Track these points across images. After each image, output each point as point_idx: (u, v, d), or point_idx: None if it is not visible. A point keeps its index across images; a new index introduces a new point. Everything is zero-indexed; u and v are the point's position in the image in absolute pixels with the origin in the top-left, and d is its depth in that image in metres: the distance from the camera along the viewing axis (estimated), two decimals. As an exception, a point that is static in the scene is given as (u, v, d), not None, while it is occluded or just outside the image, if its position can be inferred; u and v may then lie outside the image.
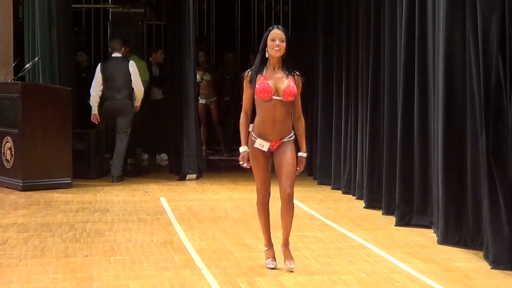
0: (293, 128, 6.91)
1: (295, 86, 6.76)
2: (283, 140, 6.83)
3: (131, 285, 6.53)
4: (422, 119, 8.77)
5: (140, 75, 12.66)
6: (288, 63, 6.78)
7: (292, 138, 6.88)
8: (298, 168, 6.85)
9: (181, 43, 12.79)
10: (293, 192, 6.88)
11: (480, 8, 7.23)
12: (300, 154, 6.91)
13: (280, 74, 6.76)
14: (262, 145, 6.81)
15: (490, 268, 7.07)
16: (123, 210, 9.98)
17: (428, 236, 8.37)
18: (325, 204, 10.47)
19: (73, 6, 14.83)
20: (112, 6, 17.66)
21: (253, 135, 6.86)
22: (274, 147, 6.85)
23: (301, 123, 6.96)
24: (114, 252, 7.67)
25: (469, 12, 7.46)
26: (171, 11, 13.72)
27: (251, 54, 16.80)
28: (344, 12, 11.58)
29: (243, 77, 6.89)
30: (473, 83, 7.39)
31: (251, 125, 6.89)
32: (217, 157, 15.93)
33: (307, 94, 13.02)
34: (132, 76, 12.33)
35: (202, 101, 15.57)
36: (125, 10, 17.16)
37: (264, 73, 6.75)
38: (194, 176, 12.68)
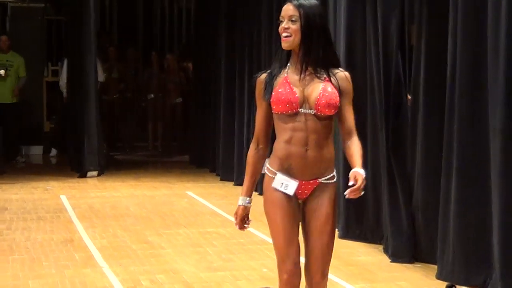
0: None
1: (335, 93, 4.17)
2: (319, 180, 4.23)
3: (30, 284, 6.39)
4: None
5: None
6: (319, 57, 4.17)
7: (334, 180, 4.27)
8: (353, 183, 4.03)
9: (82, 39, 12.59)
10: (326, 283, 4.32)
11: (380, 6, 7.32)
12: (356, 169, 4.09)
13: (310, 75, 4.19)
14: (286, 185, 4.21)
15: (390, 262, 7.17)
16: (22, 208, 9.77)
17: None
18: (228, 200, 10.45)
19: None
20: (11, 0, 17.27)
21: (271, 169, 4.27)
22: (305, 192, 4.23)
23: (355, 141, 4.25)
24: (13, 251, 7.50)
25: (370, 9, 7.55)
26: (72, 6, 13.51)
27: (153, 51, 16.72)
28: (248, 7, 11.59)
29: (254, 84, 4.36)
30: (374, 79, 7.48)
31: (266, 160, 4.37)
32: (119, 154, 15.77)
33: (209, 90, 13.04)
34: None
35: (105, 97, 15.43)
36: (25, 4, 16.79)
37: (286, 74, 4.22)
38: (95, 173, 12.52)
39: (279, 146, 4.25)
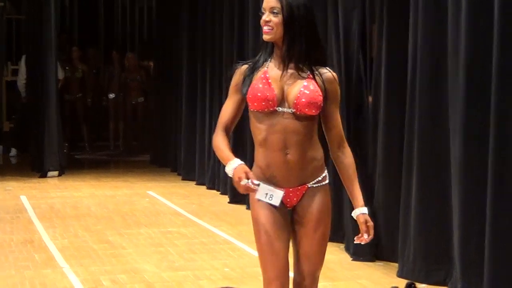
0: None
1: (318, 91, 3.79)
2: (307, 185, 3.89)
3: (-11, 285, 6.32)
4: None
5: None
6: (302, 52, 3.81)
7: (325, 182, 3.95)
8: (365, 236, 3.95)
9: (42, 38, 12.48)
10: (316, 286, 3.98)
11: (341, 5, 7.33)
12: (358, 210, 3.98)
13: (293, 72, 3.83)
14: (271, 195, 3.82)
15: (351, 260, 7.18)
16: (-19, 208, 9.67)
17: (291, 230, 8.45)
18: (189, 200, 10.42)
19: None
20: (-31, -1, 17.09)
21: (254, 181, 3.74)
22: (294, 200, 3.89)
23: (347, 155, 3.98)
24: (-28, 252, 7.42)
25: (331, 9, 7.56)
26: (32, 5, 13.39)
27: (114, 50, 16.63)
28: (209, 7, 11.55)
29: (232, 73, 4.02)
30: (335, 79, 7.47)
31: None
32: (80, 153, 15.65)
33: (171, 89, 12.99)
34: None
35: (68, 97, 15.34)
36: (-17, 3, 16.62)
37: (266, 68, 3.87)
38: (56, 173, 12.41)
39: (258, 153, 3.89)
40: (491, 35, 5.54)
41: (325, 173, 3.94)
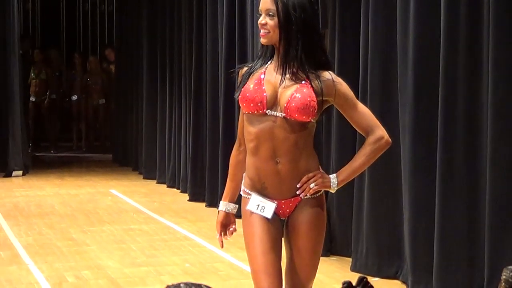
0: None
1: (311, 96, 3.48)
2: (301, 196, 3.61)
3: (-45, 283, 6.25)
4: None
5: None
6: (298, 56, 3.51)
7: (320, 193, 3.65)
8: (311, 178, 3.58)
9: (5, 40, 12.36)
10: None
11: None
12: (332, 175, 3.63)
13: (289, 75, 3.54)
14: (263, 207, 3.60)
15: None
16: None
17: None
18: (151, 198, 10.39)
19: None
20: None
21: (245, 189, 3.68)
22: (287, 211, 3.65)
23: (369, 139, 3.64)
24: None
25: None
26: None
27: (76, 53, 16.55)
28: (168, 9, 11.53)
29: (236, 77, 3.74)
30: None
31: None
32: (44, 153, 15.52)
33: (131, 90, 12.95)
34: None
35: (33, 98, 15.22)
36: None
37: (265, 70, 3.60)
38: (20, 172, 12.28)
39: (249, 162, 3.62)
40: (438, 35, 5.62)
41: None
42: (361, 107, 3.66)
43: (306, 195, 3.57)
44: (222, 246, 3.79)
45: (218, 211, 3.76)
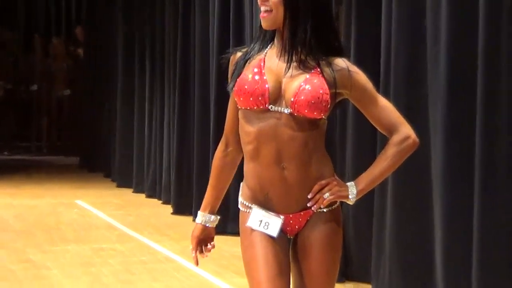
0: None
1: (323, 88, 3.35)
2: (312, 209, 3.48)
3: None
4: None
5: None
6: (307, 39, 3.40)
7: (335, 205, 3.53)
8: (325, 187, 3.44)
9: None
10: None
11: None
12: (350, 183, 3.49)
13: (295, 63, 3.41)
14: (266, 223, 3.52)
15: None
16: None
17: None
18: (126, 211, 10.42)
19: None
20: None
21: (244, 202, 3.64)
22: (296, 228, 3.55)
23: (394, 139, 3.53)
24: None
25: None
26: None
27: (36, 34, 16.56)
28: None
29: (227, 63, 3.63)
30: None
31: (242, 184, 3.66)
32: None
33: (103, 79, 12.96)
34: None
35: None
36: None
37: (265, 56, 3.48)
38: (-33, 179, 12.34)
39: (247, 170, 3.52)
40: (476, 17, 5.59)
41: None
42: (383, 101, 3.58)
43: (319, 208, 3.46)
44: (197, 264, 3.81)
45: (196, 224, 3.73)
